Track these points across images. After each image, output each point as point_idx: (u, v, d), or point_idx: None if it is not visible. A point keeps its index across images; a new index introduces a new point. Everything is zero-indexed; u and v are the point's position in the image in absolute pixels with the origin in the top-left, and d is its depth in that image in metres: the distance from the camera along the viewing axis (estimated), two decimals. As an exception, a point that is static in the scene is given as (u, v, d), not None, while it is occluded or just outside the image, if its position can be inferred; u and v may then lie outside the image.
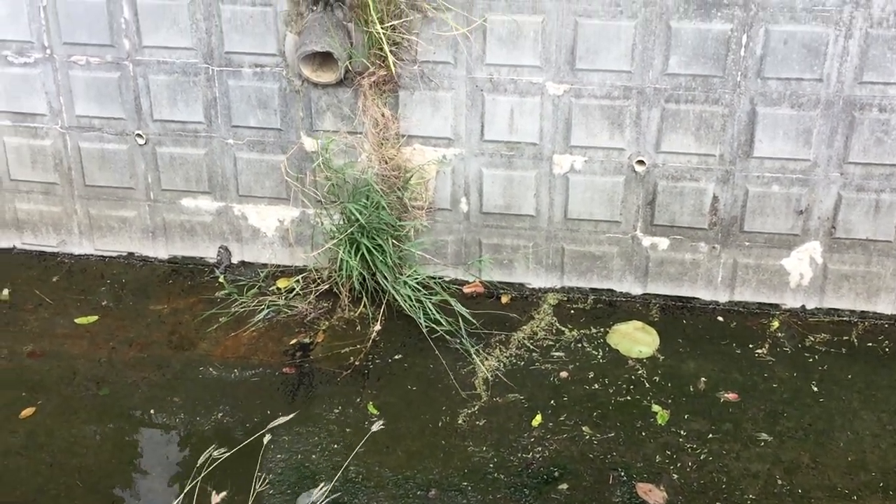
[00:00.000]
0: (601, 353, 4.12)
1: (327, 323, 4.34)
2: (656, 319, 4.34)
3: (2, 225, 4.83)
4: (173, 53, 4.31)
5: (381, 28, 3.84)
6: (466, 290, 4.48)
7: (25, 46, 4.39)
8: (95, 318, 4.45)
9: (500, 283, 4.51)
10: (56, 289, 4.66)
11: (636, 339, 4.19)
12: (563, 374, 4.00)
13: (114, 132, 4.52)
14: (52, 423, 3.80)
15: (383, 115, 4.10)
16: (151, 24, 4.25)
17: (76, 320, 4.43)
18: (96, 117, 4.50)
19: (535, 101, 4.11)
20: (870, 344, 4.17)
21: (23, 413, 3.85)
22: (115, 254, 4.82)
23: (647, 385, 3.93)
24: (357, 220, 4.12)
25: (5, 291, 4.62)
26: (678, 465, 3.51)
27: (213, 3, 4.17)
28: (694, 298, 4.40)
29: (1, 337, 4.33)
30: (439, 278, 4.37)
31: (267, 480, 3.43)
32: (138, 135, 4.50)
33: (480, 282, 4.51)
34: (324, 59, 4.09)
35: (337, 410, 3.83)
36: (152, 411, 3.87)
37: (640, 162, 4.15)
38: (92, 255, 4.83)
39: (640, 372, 4.00)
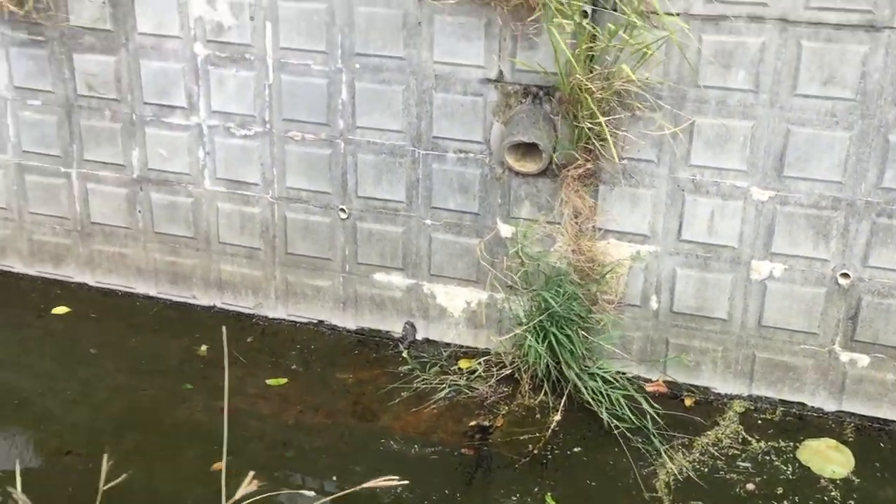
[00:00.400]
0: (790, 469, 3.96)
1: (507, 408, 4.37)
2: (851, 439, 4.14)
3: (206, 284, 5.13)
4: (383, 135, 4.53)
5: (590, 124, 3.93)
6: (649, 388, 4.42)
7: (247, 120, 4.72)
8: (285, 380, 4.63)
9: (684, 384, 4.43)
10: (250, 349, 4.88)
11: (829, 458, 4.01)
12: (750, 486, 3.86)
13: (319, 205, 4.76)
14: (240, 480, 3.95)
15: (583, 207, 4.16)
16: (366, 106, 4.50)
17: (267, 381, 4.62)
18: (304, 190, 4.76)
19: (737, 205, 4.08)
20: None
21: (214, 466, 4.02)
22: (305, 320, 5.03)
23: (841, 508, 3.75)
24: (548, 308, 4.17)
25: (203, 347, 4.88)
26: None
27: (427, 91, 4.37)
28: (893, 421, 4.18)
29: (198, 391, 4.57)
30: (622, 373, 4.33)
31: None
32: (341, 209, 4.72)
33: (664, 381, 4.44)
34: (528, 149, 4.20)
35: (514, 498, 3.82)
36: (334, 478, 3.97)
37: (845, 275, 4.03)
38: (284, 319, 5.06)
39: (833, 493, 3.82)
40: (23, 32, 4.85)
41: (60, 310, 5.18)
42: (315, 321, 5.01)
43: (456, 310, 4.71)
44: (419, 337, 4.84)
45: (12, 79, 4.97)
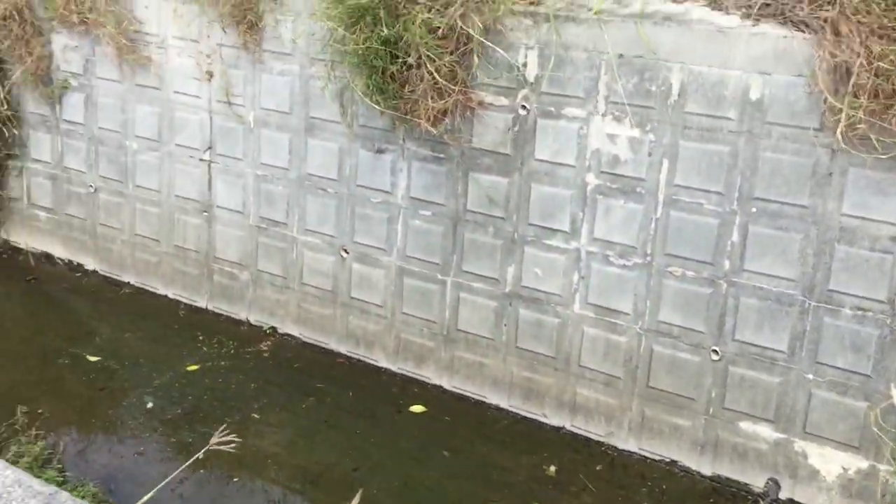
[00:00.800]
0: None
1: None
2: None
3: (559, 404, 5.17)
4: (771, 281, 4.41)
5: None
6: None
7: (628, 250, 4.78)
8: (637, 517, 4.54)
9: None
10: (598, 478, 4.83)
11: None
12: None
13: (689, 343, 4.69)
14: None
15: None
16: (757, 250, 4.41)
17: (618, 515, 4.55)
18: (676, 325, 4.71)
19: None
20: None
21: None
22: (657, 457, 4.91)
23: None
24: (954, 493, 3.80)
25: (552, 467, 4.89)
26: None
27: (829, 242, 4.22)
28: None
29: (549, 512, 4.58)
30: None
31: None
32: (714, 350, 4.62)
33: None
34: (940, 316, 3.92)
35: None
36: None
37: None
38: (635, 453, 4.97)
39: None
40: (427, 149, 5.27)
41: (417, 408, 5.42)
42: (668, 460, 4.88)
43: (830, 474, 4.41)
44: (782, 496, 4.56)
45: (409, 189, 5.40)
